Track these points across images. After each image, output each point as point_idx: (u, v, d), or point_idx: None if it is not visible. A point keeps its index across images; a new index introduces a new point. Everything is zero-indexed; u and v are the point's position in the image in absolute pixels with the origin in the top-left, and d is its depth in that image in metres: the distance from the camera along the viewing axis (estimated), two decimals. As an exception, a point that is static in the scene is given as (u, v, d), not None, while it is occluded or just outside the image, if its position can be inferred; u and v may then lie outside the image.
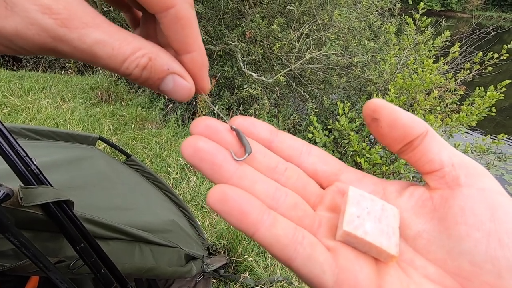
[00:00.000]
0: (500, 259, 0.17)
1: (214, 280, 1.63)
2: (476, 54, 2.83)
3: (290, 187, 0.23)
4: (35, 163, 0.57)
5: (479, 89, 2.54)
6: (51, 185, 0.59)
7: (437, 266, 0.19)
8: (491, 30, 3.85)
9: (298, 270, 0.18)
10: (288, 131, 3.31)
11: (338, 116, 2.64)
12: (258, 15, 3.06)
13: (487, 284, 0.18)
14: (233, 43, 3.09)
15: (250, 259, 1.80)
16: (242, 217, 0.18)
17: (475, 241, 0.18)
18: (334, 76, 3.23)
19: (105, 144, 1.58)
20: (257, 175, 0.22)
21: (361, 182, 0.24)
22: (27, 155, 0.55)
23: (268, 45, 3.17)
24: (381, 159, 2.43)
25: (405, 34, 3.14)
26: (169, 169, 2.44)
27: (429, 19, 3.00)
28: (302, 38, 2.97)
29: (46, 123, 2.67)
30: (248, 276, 1.69)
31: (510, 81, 2.40)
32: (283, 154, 0.24)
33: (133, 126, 2.98)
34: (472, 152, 2.60)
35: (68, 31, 0.16)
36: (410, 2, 3.27)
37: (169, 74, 0.20)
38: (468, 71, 2.91)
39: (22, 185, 0.53)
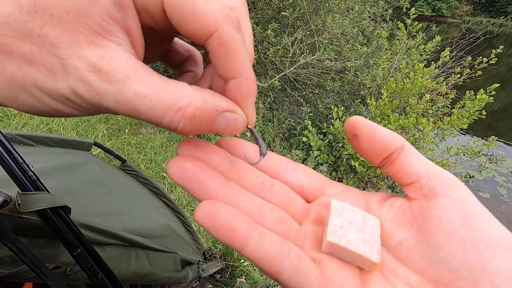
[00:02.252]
0: (475, 265, 0.18)
1: (210, 285, 1.62)
2: (466, 58, 2.89)
3: (276, 202, 0.23)
4: (32, 169, 0.57)
5: (469, 92, 2.59)
6: (48, 191, 0.59)
7: (418, 274, 0.20)
8: (480, 35, 3.94)
9: (286, 283, 0.19)
10: (283, 135, 3.33)
11: (332, 120, 2.67)
12: (253, 21, 3.09)
13: None
14: (227, 48, 3.10)
15: (246, 263, 1.79)
16: (231, 232, 0.18)
17: (452, 248, 0.19)
18: (328, 80, 3.26)
19: (100, 150, 1.57)
20: (243, 193, 0.22)
21: (345, 195, 0.25)
22: (24, 162, 0.55)
23: (263, 50, 3.20)
24: (375, 162, 2.45)
25: (397, 39, 3.20)
26: (164, 174, 2.43)
27: (420, 24, 3.07)
28: (296, 43, 3.00)
29: (39, 129, 2.64)
30: (244, 281, 1.69)
31: (499, 84, 2.45)
32: (270, 171, 0.25)
33: (127, 131, 2.97)
34: (464, 155, 2.64)
35: (109, 85, 0.17)
36: (404, 10, 3.33)
37: (219, 115, 0.20)
38: (459, 75, 2.97)
39: (20, 191, 0.53)
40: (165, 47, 0.26)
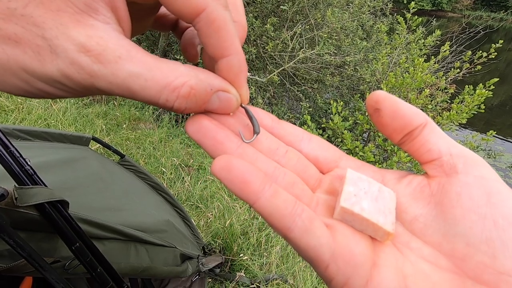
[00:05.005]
0: (494, 240, 0.18)
1: (210, 280, 1.63)
2: (466, 53, 2.88)
3: (290, 168, 0.23)
4: (29, 163, 0.56)
5: (468, 87, 2.59)
6: (45, 186, 0.59)
7: (433, 247, 0.20)
8: (480, 29, 3.92)
9: (295, 242, 0.18)
10: (282, 130, 3.32)
11: (331, 115, 2.67)
12: (251, 15, 3.06)
13: (481, 264, 0.18)
14: (226, 43, 3.08)
15: (246, 257, 1.80)
16: (244, 186, 0.18)
17: (471, 223, 0.19)
18: (327, 75, 3.25)
19: (98, 145, 1.57)
20: (258, 154, 0.22)
21: (360, 170, 0.24)
22: (21, 156, 0.55)
23: (262, 45, 3.18)
24: (374, 157, 2.46)
25: (397, 33, 3.18)
26: (163, 169, 2.43)
27: (420, 19, 3.05)
28: (295, 37, 2.98)
29: (37, 124, 2.63)
30: (244, 275, 1.70)
31: (498, 79, 2.45)
32: (284, 139, 0.25)
33: (124, 126, 2.96)
34: (462, 150, 2.64)
35: (102, 67, 0.16)
36: (404, 1, 3.30)
37: (213, 94, 0.20)
38: (458, 70, 2.97)
39: (17, 185, 0.53)
40: (150, 18, 0.26)
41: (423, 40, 3.19)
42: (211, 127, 0.21)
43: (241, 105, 0.22)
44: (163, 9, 0.27)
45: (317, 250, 0.18)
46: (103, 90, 0.17)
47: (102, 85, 0.17)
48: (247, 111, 0.23)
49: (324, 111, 3.52)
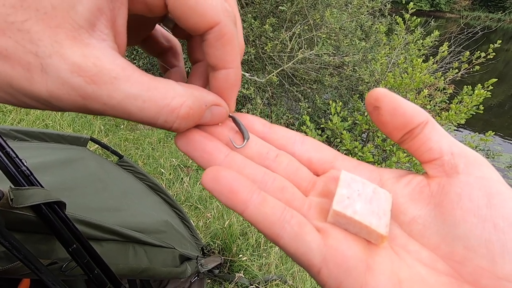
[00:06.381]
0: (494, 242, 0.17)
1: (209, 280, 1.62)
2: (464, 53, 2.89)
3: (280, 172, 0.23)
4: (25, 164, 0.56)
5: (467, 87, 2.59)
6: (42, 186, 0.58)
7: (431, 250, 0.20)
8: (478, 30, 3.93)
9: (286, 247, 0.19)
10: (281, 131, 3.32)
11: (330, 115, 2.67)
12: (250, 15, 3.06)
13: (480, 268, 0.18)
14: (225, 43, 3.07)
15: (245, 258, 1.80)
16: (233, 195, 0.19)
17: (470, 225, 0.18)
18: (326, 75, 3.25)
19: (96, 145, 1.56)
20: (246, 161, 0.22)
21: (357, 170, 0.24)
22: (17, 156, 0.54)
23: (261, 45, 3.18)
24: (373, 157, 2.45)
25: (396, 34, 3.18)
26: (162, 170, 2.42)
27: (419, 19, 3.05)
28: (294, 38, 2.98)
29: (35, 125, 2.62)
30: (243, 276, 1.69)
31: (497, 79, 2.45)
32: (276, 143, 0.25)
33: (123, 126, 2.95)
34: (461, 150, 2.64)
35: (97, 88, 0.16)
36: (403, 2, 3.31)
37: (206, 110, 0.21)
38: (457, 70, 2.97)
39: (13, 186, 0.53)
40: (146, 32, 0.26)
41: (421, 41, 3.19)
42: (200, 139, 0.21)
43: (229, 115, 0.23)
44: (155, 33, 0.27)
45: (307, 255, 0.18)
46: (95, 111, 0.17)
47: (95, 107, 0.16)
48: (234, 120, 0.23)
49: (323, 111, 3.52)
